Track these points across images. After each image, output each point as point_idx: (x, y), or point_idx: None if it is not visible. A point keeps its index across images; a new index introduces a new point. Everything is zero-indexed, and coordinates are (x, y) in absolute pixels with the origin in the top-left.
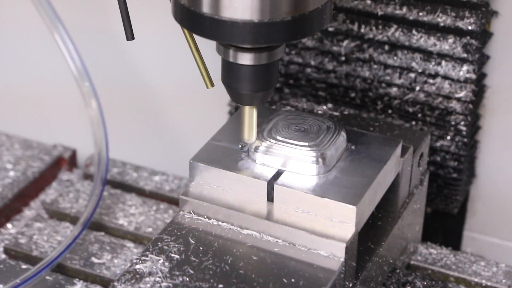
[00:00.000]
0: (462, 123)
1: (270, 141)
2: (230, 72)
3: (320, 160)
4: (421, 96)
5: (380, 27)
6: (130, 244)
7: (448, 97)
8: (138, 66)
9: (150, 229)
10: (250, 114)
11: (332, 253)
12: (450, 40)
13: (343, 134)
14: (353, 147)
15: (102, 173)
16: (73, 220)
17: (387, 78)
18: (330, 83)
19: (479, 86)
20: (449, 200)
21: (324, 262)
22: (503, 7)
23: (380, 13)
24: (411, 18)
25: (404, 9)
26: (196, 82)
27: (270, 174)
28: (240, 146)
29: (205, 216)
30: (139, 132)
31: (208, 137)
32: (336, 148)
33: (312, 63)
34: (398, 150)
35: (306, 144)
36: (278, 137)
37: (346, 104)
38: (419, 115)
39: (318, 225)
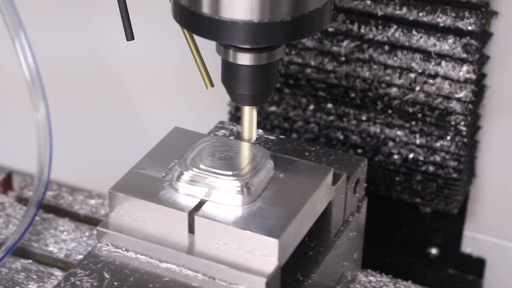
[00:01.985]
0: (462, 123)
1: (193, 170)
2: (230, 72)
3: (244, 190)
4: (421, 96)
5: (380, 27)
6: (59, 273)
7: (448, 97)
8: (136, 65)
9: (80, 256)
10: (250, 114)
11: None
12: (450, 41)
13: (270, 162)
14: (281, 175)
15: (39, 196)
16: (1, 247)
17: (387, 78)
18: (330, 83)
19: (479, 86)
20: (449, 200)
21: None
22: (503, 7)
23: (380, 13)
24: (411, 18)
25: (404, 10)
26: (196, 83)
27: (192, 204)
28: (163, 174)
29: (123, 249)
30: (128, 135)
31: None
32: (262, 176)
33: (312, 63)
34: (329, 178)
35: (230, 173)
36: (202, 166)
37: (346, 104)
38: (419, 115)
39: (240, 259)
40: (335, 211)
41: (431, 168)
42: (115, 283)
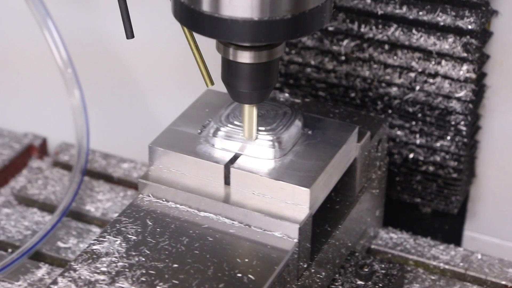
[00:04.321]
0: (462, 123)
1: (228, 126)
2: (230, 70)
3: (276, 144)
4: (421, 95)
5: (380, 26)
6: (96, 229)
7: (448, 97)
8: (135, 65)
9: (116, 215)
10: (250, 112)
11: (286, 234)
12: (450, 40)
13: (300, 119)
14: (309, 132)
15: (82, 164)
16: (41, 206)
17: (387, 77)
18: (330, 83)
19: (479, 86)
20: (449, 200)
21: (278, 243)
22: (503, 6)
23: (380, 12)
24: (411, 17)
25: (404, 9)
26: (196, 81)
27: (227, 158)
28: (199, 131)
29: (164, 199)
30: (132, 129)
31: None
32: (292, 132)
33: (312, 62)
34: (354, 135)
35: (263, 128)
36: (236, 122)
37: (346, 104)
38: (419, 115)
39: (273, 207)
40: (359, 167)
41: (431, 168)
42: (158, 230)
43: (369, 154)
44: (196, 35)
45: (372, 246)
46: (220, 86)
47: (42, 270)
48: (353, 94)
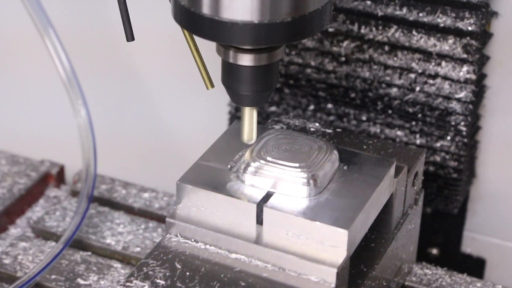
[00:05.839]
0: (462, 123)
1: (259, 162)
2: (230, 73)
3: (311, 181)
4: (421, 96)
5: (380, 27)
6: (118, 265)
7: (448, 98)
8: (135, 67)
9: (138, 249)
10: (250, 115)
11: (323, 279)
12: (450, 41)
13: (335, 154)
14: (345, 167)
15: (89, 188)
16: (59, 239)
17: (387, 78)
18: (330, 84)
19: (479, 87)
20: (449, 200)
21: None
22: (503, 7)
23: (380, 13)
24: (411, 18)
25: (404, 10)
26: (196, 83)
27: (259, 196)
28: (229, 166)
29: (192, 240)
30: (133, 133)
31: (208, 139)
32: (328, 169)
33: (312, 63)
34: (392, 170)
35: (297, 165)
36: (268, 158)
37: (346, 105)
38: (419, 115)
39: (309, 249)
40: (396, 203)
41: (431, 168)
42: (187, 273)
43: (406, 189)
44: (196, 38)
45: (406, 283)
46: (220, 89)
47: None
48: (353, 95)
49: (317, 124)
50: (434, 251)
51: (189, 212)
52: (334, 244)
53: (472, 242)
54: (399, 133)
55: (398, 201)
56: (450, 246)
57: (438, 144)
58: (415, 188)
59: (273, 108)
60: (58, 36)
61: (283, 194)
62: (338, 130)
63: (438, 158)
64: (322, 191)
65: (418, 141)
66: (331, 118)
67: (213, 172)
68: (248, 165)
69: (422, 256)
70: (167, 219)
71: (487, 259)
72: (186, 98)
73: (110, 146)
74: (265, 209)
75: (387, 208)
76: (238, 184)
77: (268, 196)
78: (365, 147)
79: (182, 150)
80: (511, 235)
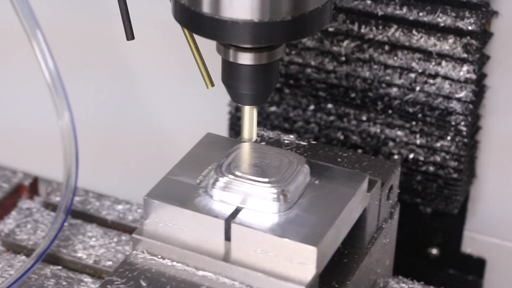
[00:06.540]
0: (462, 123)
1: (228, 177)
2: (230, 72)
3: (281, 197)
4: (421, 96)
5: (380, 27)
6: (88, 279)
7: (448, 97)
8: (135, 67)
9: (110, 263)
10: (251, 114)
11: None
12: (450, 40)
13: (306, 168)
14: (316, 181)
15: (68, 201)
16: (30, 253)
17: (387, 78)
18: (330, 84)
19: (479, 86)
20: (449, 200)
21: None
22: (503, 7)
23: (380, 13)
24: (411, 18)
25: (404, 9)
26: (196, 82)
27: (228, 211)
28: (198, 181)
29: (159, 256)
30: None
31: None
32: (299, 183)
33: (312, 63)
34: (365, 184)
35: (267, 180)
36: (237, 173)
37: (346, 105)
38: (419, 115)
39: (277, 267)
40: (369, 217)
41: (431, 168)
42: None
43: (379, 203)
44: (196, 36)
45: None
46: (220, 88)
47: None
48: (353, 95)
49: (292, 136)
50: (434, 251)
51: (156, 228)
52: (303, 261)
53: (472, 242)
54: (399, 133)
55: (372, 215)
56: (450, 246)
57: (438, 144)
58: (390, 201)
59: (273, 108)
60: (45, 38)
61: (253, 209)
62: (313, 142)
63: (438, 158)
64: (292, 207)
65: (418, 141)
66: (331, 118)
67: (182, 187)
68: (216, 180)
69: (422, 256)
70: (133, 235)
71: (487, 259)
72: (186, 97)
73: (100, 154)
74: (233, 225)
75: (360, 222)
76: (206, 199)
77: (237, 211)
78: (339, 159)
79: (182, 150)
80: (511, 235)
